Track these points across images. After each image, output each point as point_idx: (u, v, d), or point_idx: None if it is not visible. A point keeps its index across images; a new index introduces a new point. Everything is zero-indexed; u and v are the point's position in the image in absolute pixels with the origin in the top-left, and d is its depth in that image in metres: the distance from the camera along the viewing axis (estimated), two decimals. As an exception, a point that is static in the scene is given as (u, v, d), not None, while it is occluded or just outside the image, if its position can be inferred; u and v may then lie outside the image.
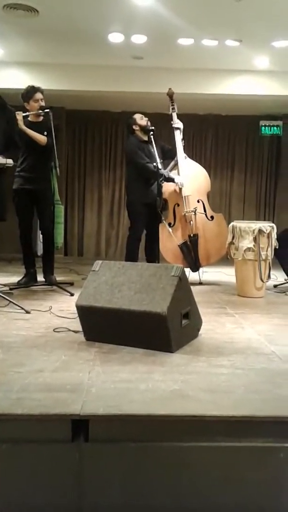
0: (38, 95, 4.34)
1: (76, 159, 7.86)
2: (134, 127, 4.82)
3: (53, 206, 4.48)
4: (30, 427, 1.73)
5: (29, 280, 4.53)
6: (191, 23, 4.77)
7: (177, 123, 4.98)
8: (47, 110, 4.15)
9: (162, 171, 4.63)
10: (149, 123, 4.74)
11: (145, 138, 4.74)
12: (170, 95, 5.00)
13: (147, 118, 4.80)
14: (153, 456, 1.71)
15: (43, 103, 4.34)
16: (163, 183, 4.70)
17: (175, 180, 4.81)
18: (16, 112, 4.14)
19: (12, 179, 4.35)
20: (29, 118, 4.34)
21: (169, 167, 4.95)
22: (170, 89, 5.01)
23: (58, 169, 4.07)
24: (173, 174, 4.86)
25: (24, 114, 4.23)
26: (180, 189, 4.84)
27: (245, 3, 4.26)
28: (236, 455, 1.71)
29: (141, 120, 4.80)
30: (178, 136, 4.96)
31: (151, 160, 4.65)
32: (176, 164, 4.96)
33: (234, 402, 1.87)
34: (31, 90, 4.35)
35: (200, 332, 2.91)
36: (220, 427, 1.75)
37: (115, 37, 5.23)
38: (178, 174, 4.90)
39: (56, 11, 4.63)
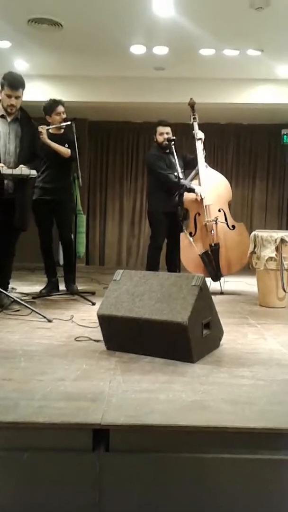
0: (60, 108, 4.41)
1: (98, 169, 7.95)
2: (154, 138, 4.87)
3: (75, 215, 4.52)
4: (51, 435, 1.74)
5: (51, 289, 4.57)
6: (212, 33, 4.80)
7: (199, 133, 4.98)
8: (69, 122, 4.21)
9: (183, 181, 4.63)
10: (170, 136, 4.72)
11: (166, 150, 4.75)
12: (192, 105, 5.02)
13: (167, 131, 4.76)
14: (173, 467, 1.70)
15: (64, 116, 4.42)
16: (183, 192, 4.70)
17: (196, 191, 4.81)
18: (40, 126, 4.21)
19: (32, 189, 4.41)
20: (50, 131, 4.42)
21: (190, 177, 4.96)
22: (191, 99, 5.02)
23: (80, 179, 4.12)
24: (193, 185, 4.86)
25: (47, 128, 4.31)
26: (201, 199, 4.84)
27: (266, 13, 4.27)
28: (258, 467, 1.69)
29: (160, 136, 4.80)
30: (200, 146, 4.97)
31: (172, 170, 4.66)
32: (197, 174, 4.96)
33: (256, 414, 1.85)
34: (53, 104, 4.43)
35: (221, 342, 2.89)
36: (241, 439, 1.73)
37: (137, 49, 5.30)
38: (199, 184, 4.90)
39: (80, 25, 4.72)
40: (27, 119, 3.80)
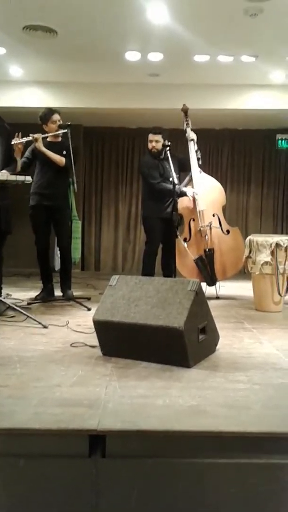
0: (56, 117, 4.42)
1: (93, 175, 7.96)
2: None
3: (70, 221, 4.52)
4: (48, 442, 1.74)
5: (46, 294, 4.57)
6: (207, 40, 4.83)
7: (191, 134, 4.99)
8: (65, 130, 4.21)
9: (177, 186, 4.64)
10: (159, 143, 4.70)
11: (160, 156, 4.76)
12: (185, 111, 5.03)
13: (157, 139, 4.71)
14: (170, 472, 1.70)
15: (60, 123, 4.42)
16: (177, 198, 4.71)
17: (187, 193, 4.82)
18: (36, 134, 4.21)
19: (19, 194, 4.37)
20: (47, 139, 4.43)
21: (184, 183, 4.97)
22: (184, 105, 5.04)
23: (75, 185, 4.13)
24: (185, 188, 4.87)
25: (43, 136, 4.31)
26: (195, 201, 4.84)
27: (260, 19, 4.30)
28: (254, 472, 1.69)
29: (149, 143, 4.80)
30: (192, 148, 4.97)
31: (166, 177, 4.67)
32: (191, 180, 4.98)
33: (252, 418, 1.85)
34: (49, 112, 4.44)
35: (217, 347, 2.90)
36: (238, 444, 1.73)
37: (132, 55, 5.32)
38: (192, 188, 4.92)
39: (74, 32, 4.74)
40: (1, 124, 3.81)
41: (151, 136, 4.81)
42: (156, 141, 4.76)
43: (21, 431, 1.73)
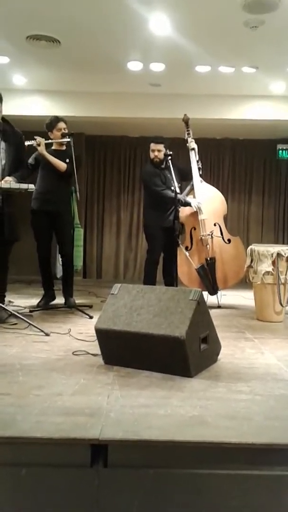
0: (61, 125, 4.47)
1: (96, 183, 8.00)
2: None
3: (72, 229, 4.54)
4: (49, 451, 1.74)
5: (47, 301, 4.58)
6: (208, 51, 4.87)
7: (192, 143, 5.02)
8: (69, 139, 4.25)
9: (179, 196, 4.67)
10: (162, 153, 4.74)
11: (161, 165, 4.79)
12: (186, 121, 5.07)
13: (159, 149, 4.77)
14: (172, 483, 1.69)
15: (66, 132, 4.47)
16: (179, 207, 4.74)
17: (192, 204, 4.84)
18: (39, 138, 4.27)
19: (21, 201, 4.39)
20: (52, 147, 4.49)
21: (185, 192, 4.99)
22: (185, 115, 5.07)
23: (78, 193, 4.15)
24: (189, 198, 4.90)
25: (46, 141, 4.36)
26: (197, 212, 4.87)
27: (261, 31, 4.35)
28: (256, 483, 1.69)
29: (151, 152, 4.84)
30: (194, 157, 5.00)
31: (168, 186, 4.70)
32: (192, 189, 5.01)
33: (254, 429, 1.85)
34: (54, 120, 4.49)
35: (219, 357, 2.90)
36: (239, 455, 1.73)
37: (134, 66, 5.36)
38: (194, 198, 4.94)
39: (77, 41, 4.79)
40: (11, 130, 3.83)
41: (153, 146, 4.84)
42: (158, 151, 4.79)
43: (23, 440, 1.73)
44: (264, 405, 2.13)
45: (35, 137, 4.28)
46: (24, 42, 4.78)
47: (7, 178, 3.62)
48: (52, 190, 4.46)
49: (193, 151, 5.02)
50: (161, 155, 4.76)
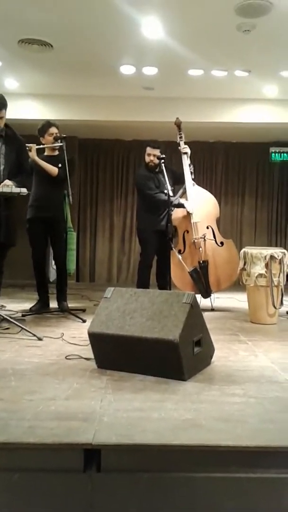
0: (53, 129, 4.46)
1: (89, 187, 7.99)
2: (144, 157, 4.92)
3: (65, 233, 4.53)
4: (42, 456, 1.72)
5: (41, 306, 4.55)
6: (201, 55, 4.90)
7: (184, 148, 5.04)
8: (61, 144, 4.23)
9: (172, 198, 4.67)
10: (159, 155, 4.76)
11: (155, 169, 4.80)
12: (178, 124, 5.08)
13: (155, 153, 4.79)
14: (166, 487, 1.68)
15: (58, 136, 4.45)
16: (172, 210, 4.74)
17: (185, 205, 4.85)
18: (31, 144, 4.25)
19: (19, 205, 4.36)
20: (45, 153, 4.47)
21: (178, 195, 4.99)
22: (177, 118, 5.08)
23: (70, 197, 4.14)
24: (182, 200, 4.90)
25: (38, 147, 4.35)
26: (190, 214, 4.87)
27: (253, 35, 4.37)
28: (250, 486, 1.68)
29: (147, 156, 4.85)
30: (186, 161, 5.01)
31: (161, 189, 4.70)
32: (184, 192, 5.01)
33: (248, 432, 1.85)
34: (46, 125, 4.48)
35: (212, 360, 2.89)
36: (233, 458, 1.73)
37: (127, 69, 5.38)
38: (187, 201, 4.94)
39: (70, 45, 4.79)
40: (12, 135, 3.82)
41: (150, 150, 4.86)
42: (154, 155, 4.81)
43: (16, 445, 1.71)
44: (258, 408, 2.12)
45: (26, 144, 4.23)
46: (16, 46, 4.78)
47: (6, 181, 3.59)
48: (47, 197, 4.45)
49: (185, 155, 5.03)
50: (156, 160, 4.77)
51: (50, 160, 4.43)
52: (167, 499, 1.67)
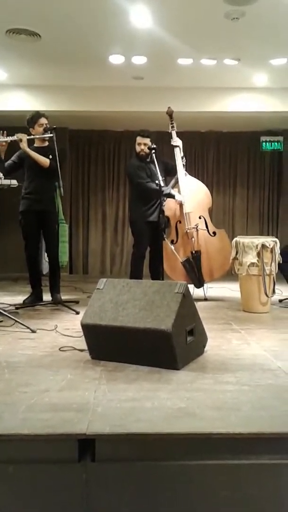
0: (43, 120, 4.42)
1: (80, 178, 7.95)
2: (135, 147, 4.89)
3: (57, 225, 4.51)
4: (37, 447, 1.73)
5: (34, 299, 4.55)
6: (190, 43, 4.86)
7: (176, 141, 5.02)
8: (51, 135, 4.20)
9: (163, 188, 4.66)
10: (148, 146, 4.74)
11: (146, 159, 4.78)
12: (170, 114, 5.06)
13: (145, 142, 4.76)
14: (160, 475, 1.70)
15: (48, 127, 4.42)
16: (164, 201, 4.73)
17: (176, 197, 4.84)
18: (21, 134, 4.22)
19: (6, 198, 4.33)
20: (34, 144, 4.44)
21: (170, 185, 4.99)
22: (169, 108, 5.06)
23: (62, 189, 4.12)
24: (173, 191, 4.89)
25: (28, 137, 4.31)
26: (181, 205, 4.87)
27: (242, 23, 4.34)
28: (245, 473, 1.70)
29: (137, 146, 4.82)
30: (178, 153, 5.00)
31: (153, 179, 4.69)
32: (176, 182, 5.00)
33: (241, 419, 1.87)
34: (36, 115, 4.44)
35: (205, 349, 2.91)
36: (227, 445, 1.74)
37: (116, 59, 5.33)
38: (179, 192, 4.94)
39: (58, 35, 4.74)
40: None
41: (140, 139, 4.83)
42: (144, 144, 4.78)
43: (10, 437, 1.72)
44: (251, 395, 2.14)
45: (16, 134, 4.20)
46: (3, 36, 4.72)
47: None
48: (38, 189, 4.43)
49: (177, 148, 5.01)
50: (146, 149, 4.75)
51: (40, 151, 4.39)
52: (162, 488, 1.69)
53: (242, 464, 1.70)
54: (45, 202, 4.43)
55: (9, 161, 4.38)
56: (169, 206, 4.87)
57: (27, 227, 4.50)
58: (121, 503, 1.67)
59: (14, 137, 4.19)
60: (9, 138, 4.11)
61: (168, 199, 4.83)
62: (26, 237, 4.52)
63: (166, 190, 4.76)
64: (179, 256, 4.80)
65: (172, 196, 4.83)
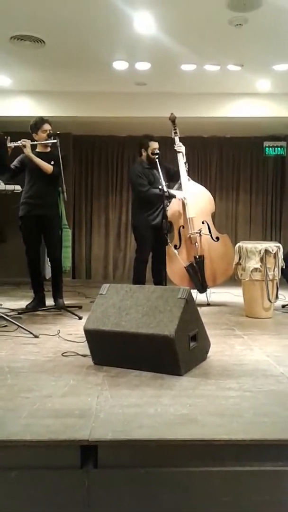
0: (46, 126, 4.44)
1: (83, 183, 7.97)
2: (143, 151, 4.89)
3: (60, 230, 4.52)
4: (39, 453, 1.73)
5: (37, 304, 4.55)
6: (193, 49, 4.88)
7: (179, 146, 5.04)
8: (55, 140, 4.22)
9: (165, 189, 4.66)
10: (156, 150, 4.79)
11: (149, 165, 4.81)
12: (172, 119, 5.08)
13: (156, 146, 4.83)
14: (163, 481, 1.69)
15: (51, 132, 4.44)
16: (168, 206, 4.74)
17: (177, 196, 4.85)
18: (23, 140, 4.24)
19: (8, 203, 4.33)
20: (37, 149, 4.46)
21: (173, 190, 5.00)
22: (172, 114, 5.08)
23: (65, 194, 4.13)
24: (173, 191, 4.89)
25: (32, 143, 4.33)
26: (184, 207, 4.86)
27: (245, 29, 4.36)
28: (247, 479, 1.69)
29: (152, 150, 4.82)
30: (181, 159, 5.02)
31: (156, 184, 4.70)
32: (179, 187, 5.02)
33: (244, 426, 1.86)
34: (39, 121, 4.46)
35: (208, 354, 2.90)
36: (229, 452, 1.74)
37: (120, 65, 5.36)
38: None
39: (62, 41, 4.77)
40: None
41: (155, 144, 4.86)
42: (154, 149, 4.82)
43: (12, 442, 1.72)
44: (253, 402, 2.13)
45: (20, 141, 4.22)
46: (8, 43, 4.75)
47: None
48: (39, 194, 4.43)
49: (180, 154, 5.03)
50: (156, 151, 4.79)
51: (42, 156, 4.41)
52: (164, 494, 1.68)
53: (244, 471, 1.70)
54: (46, 207, 4.43)
55: (11, 166, 4.39)
56: (172, 211, 4.87)
57: (27, 232, 4.50)
58: (123, 509, 1.67)
59: (19, 143, 4.22)
60: (14, 144, 4.14)
61: (172, 203, 4.84)
62: (27, 242, 4.52)
63: (167, 192, 4.76)
64: (182, 261, 4.80)
65: (174, 196, 4.83)
